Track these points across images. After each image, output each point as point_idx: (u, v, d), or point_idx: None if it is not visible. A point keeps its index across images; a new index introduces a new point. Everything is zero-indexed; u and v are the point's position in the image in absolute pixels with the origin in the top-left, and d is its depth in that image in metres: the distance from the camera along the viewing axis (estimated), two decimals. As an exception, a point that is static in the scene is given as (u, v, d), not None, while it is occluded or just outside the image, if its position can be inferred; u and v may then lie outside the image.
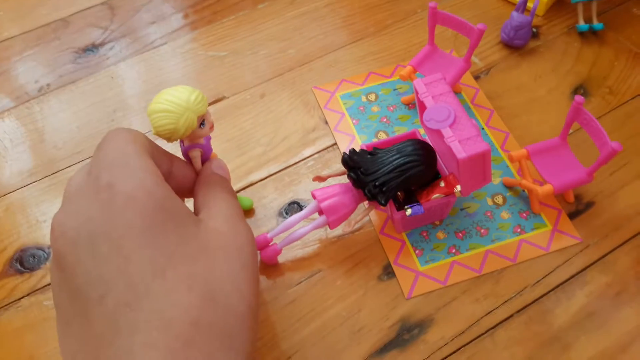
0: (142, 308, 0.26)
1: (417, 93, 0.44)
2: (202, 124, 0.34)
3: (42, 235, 0.49)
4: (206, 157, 0.37)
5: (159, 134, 0.33)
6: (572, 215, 0.48)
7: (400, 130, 0.53)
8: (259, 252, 0.44)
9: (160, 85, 0.59)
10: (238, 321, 0.28)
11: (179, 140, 0.35)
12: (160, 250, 0.27)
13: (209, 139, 0.37)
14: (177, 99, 0.32)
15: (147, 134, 0.33)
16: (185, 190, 0.36)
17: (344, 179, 0.45)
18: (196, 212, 0.34)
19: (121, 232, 0.27)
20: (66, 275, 0.28)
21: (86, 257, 0.28)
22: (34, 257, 0.48)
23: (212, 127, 0.35)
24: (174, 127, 0.32)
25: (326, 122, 0.55)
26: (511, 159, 0.48)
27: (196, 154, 0.36)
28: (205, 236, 0.30)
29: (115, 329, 0.26)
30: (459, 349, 0.42)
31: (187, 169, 0.36)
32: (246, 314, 0.29)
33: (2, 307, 0.46)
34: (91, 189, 0.29)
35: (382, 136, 0.53)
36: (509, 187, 0.49)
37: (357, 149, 0.44)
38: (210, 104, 0.57)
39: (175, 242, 0.28)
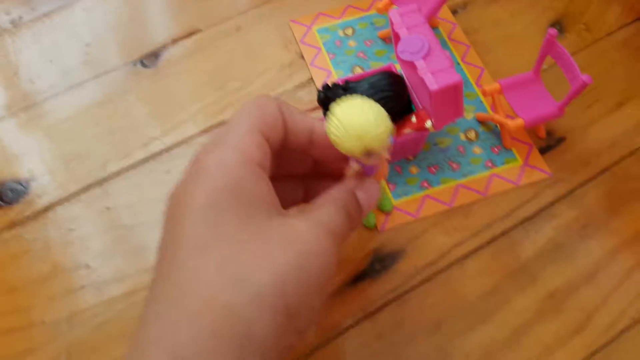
0: (171, 279, 0.27)
1: (392, 24, 0.44)
2: (370, 154, 0.30)
3: (20, 170, 0.49)
4: (368, 174, 0.33)
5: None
6: (543, 150, 0.49)
7: (377, 65, 0.53)
8: None
9: (134, 18, 0.58)
10: (266, 314, 0.26)
11: None
12: (212, 229, 0.27)
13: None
14: (357, 123, 0.28)
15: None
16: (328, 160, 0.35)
17: (319, 113, 0.46)
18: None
19: (189, 204, 0.28)
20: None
21: (166, 225, 0.29)
22: (12, 190, 0.48)
23: (381, 162, 0.31)
24: (336, 142, 0.29)
25: (302, 57, 0.55)
26: (484, 93, 0.48)
27: (353, 167, 0.33)
28: (271, 228, 0.28)
29: (149, 297, 0.28)
30: (428, 279, 0.43)
31: (329, 147, 0.32)
32: (278, 309, 0.26)
33: (-19, 240, 0.46)
34: (192, 160, 0.30)
35: (358, 71, 0.53)
36: (482, 122, 0.50)
37: (331, 84, 0.45)
38: (184, 37, 0.57)
39: (232, 225, 0.27)
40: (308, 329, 0.29)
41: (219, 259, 0.27)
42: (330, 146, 0.33)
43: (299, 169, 0.37)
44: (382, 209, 0.45)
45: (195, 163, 0.30)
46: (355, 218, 0.32)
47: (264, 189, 0.29)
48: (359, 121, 0.28)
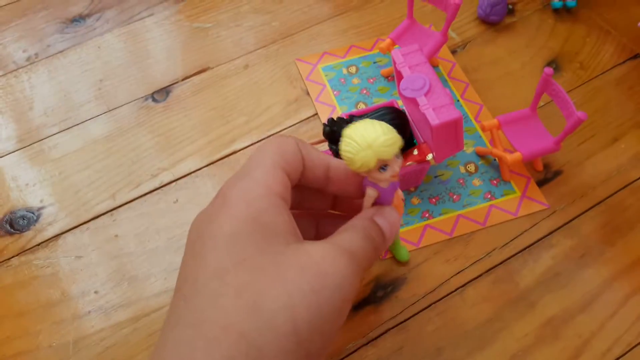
0: (191, 305, 0.28)
1: (394, 63, 0.46)
2: (382, 167, 0.31)
3: (32, 199, 0.51)
4: (384, 203, 0.34)
5: (341, 157, 0.32)
6: (541, 183, 0.50)
7: (380, 102, 0.55)
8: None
9: (146, 56, 0.61)
10: (276, 339, 0.27)
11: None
12: (233, 256, 0.28)
13: (394, 187, 0.34)
14: (366, 134, 0.30)
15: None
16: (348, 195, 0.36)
17: (324, 146, 0.47)
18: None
19: (212, 234, 0.29)
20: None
21: (188, 252, 0.31)
22: (23, 218, 0.50)
23: (395, 176, 0.32)
24: (351, 158, 0.30)
25: (308, 93, 0.57)
26: (483, 129, 0.50)
27: (370, 194, 0.33)
28: (288, 255, 0.29)
29: (168, 320, 0.29)
30: (430, 305, 0.44)
31: (345, 182, 0.35)
32: (289, 336, 0.27)
33: (-8, 266, 0.48)
34: (218, 192, 0.32)
35: (362, 107, 0.55)
36: (481, 156, 0.51)
37: (336, 118, 0.46)
38: (194, 75, 0.59)
39: (253, 252, 0.28)
40: (319, 356, 0.29)
41: (237, 285, 0.28)
42: (345, 180, 0.34)
43: (313, 207, 0.38)
44: (399, 259, 0.46)
45: (221, 195, 0.31)
46: (378, 243, 0.32)
47: (285, 219, 0.30)
48: (367, 132, 0.30)
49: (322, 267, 0.29)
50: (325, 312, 0.28)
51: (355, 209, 0.35)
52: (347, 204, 0.38)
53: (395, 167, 0.32)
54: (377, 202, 0.34)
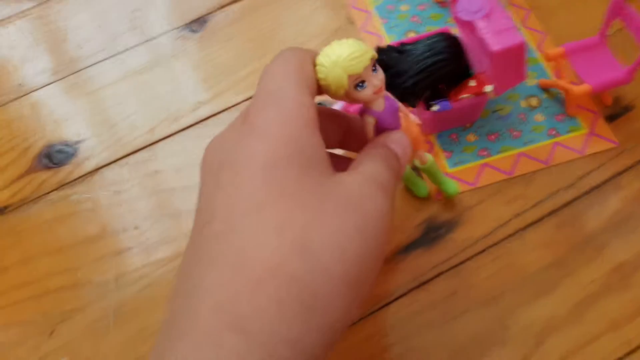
0: (228, 242, 0.25)
1: (450, -17, 0.42)
2: (360, 85, 0.30)
3: (68, 132, 0.49)
4: (390, 128, 0.32)
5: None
6: (609, 119, 0.46)
7: (432, 30, 0.51)
8: None
9: (182, -16, 0.57)
10: (329, 282, 0.25)
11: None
12: (270, 187, 0.25)
13: (393, 110, 0.32)
14: (331, 53, 0.29)
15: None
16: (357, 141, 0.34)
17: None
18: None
19: (243, 163, 0.26)
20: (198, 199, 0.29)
21: (210, 183, 0.28)
22: (61, 152, 0.48)
23: (378, 92, 0.30)
24: (324, 84, 0.29)
25: (352, 22, 0.53)
26: (547, 58, 0.46)
27: (368, 121, 0.31)
28: (328, 187, 0.27)
29: (198, 259, 0.26)
30: (485, 249, 0.41)
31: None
32: (340, 278, 0.25)
33: (32, 200, 0.46)
34: (240, 119, 0.29)
35: (412, 36, 0.51)
36: (545, 89, 0.47)
37: (386, 46, 0.43)
38: (229, 4, 0.55)
39: (291, 183, 0.26)
40: (363, 299, 0.27)
41: (277, 219, 0.25)
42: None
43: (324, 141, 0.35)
44: (417, 194, 0.43)
45: (247, 122, 0.28)
46: (397, 170, 0.30)
47: (323, 149, 0.28)
48: (332, 51, 0.29)
49: (363, 204, 0.26)
50: (369, 252, 0.26)
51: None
52: (357, 141, 0.34)
53: (375, 81, 0.30)
54: (382, 129, 0.32)
